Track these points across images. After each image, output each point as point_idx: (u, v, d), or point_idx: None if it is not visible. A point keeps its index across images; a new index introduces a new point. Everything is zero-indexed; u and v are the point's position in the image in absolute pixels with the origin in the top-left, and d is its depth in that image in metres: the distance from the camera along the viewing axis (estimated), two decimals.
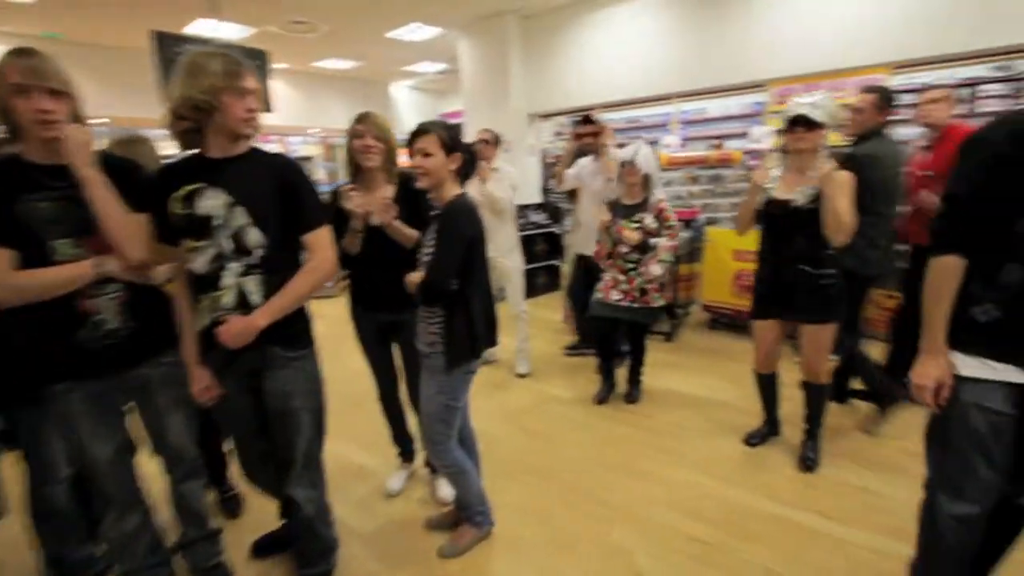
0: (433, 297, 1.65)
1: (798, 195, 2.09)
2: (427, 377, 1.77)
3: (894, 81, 5.24)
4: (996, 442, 1.17)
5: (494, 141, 3.28)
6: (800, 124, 2.03)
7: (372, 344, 2.15)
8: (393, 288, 1.98)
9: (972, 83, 4.94)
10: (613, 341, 3.08)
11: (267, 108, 2.69)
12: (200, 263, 1.38)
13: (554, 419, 2.91)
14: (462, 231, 1.60)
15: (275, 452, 1.61)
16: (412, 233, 1.89)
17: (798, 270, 2.14)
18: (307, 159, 11.81)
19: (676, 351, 3.86)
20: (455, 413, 1.77)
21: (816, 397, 2.30)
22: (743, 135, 6.00)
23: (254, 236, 1.37)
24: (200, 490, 1.67)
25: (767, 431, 2.52)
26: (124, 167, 1.45)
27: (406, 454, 2.37)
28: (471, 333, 1.66)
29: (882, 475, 2.22)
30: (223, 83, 1.31)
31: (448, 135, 1.62)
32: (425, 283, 1.60)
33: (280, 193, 1.40)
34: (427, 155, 1.60)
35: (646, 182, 2.73)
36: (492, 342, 1.78)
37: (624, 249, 2.76)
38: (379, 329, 2.11)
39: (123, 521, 1.52)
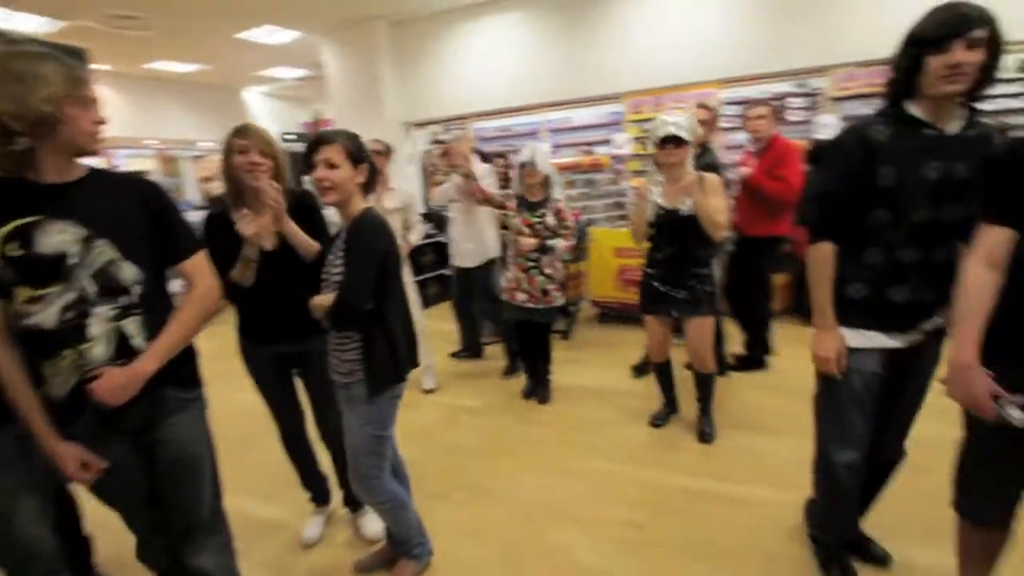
0: (347, 320, 1.52)
1: (683, 204, 2.33)
2: (348, 409, 1.62)
3: (723, 94, 6.15)
4: (870, 399, 1.42)
5: (386, 152, 3.06)
6: (670, 142, 2.27)
7: (269, 381, 1.91)
8: (292, 316, 1.79)
9: (780, 97, 5.92)
10: (534, 338, 3.10)
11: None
12: (49, 315, 1.11)
13: (470, 431, 2.87)
14: (374, 246, 1.50)
15: (165, 521, 1.36)
16: (311, 242, 1.73)
17: (686, 270, 2.39)
18: (141, 174, 10.30)
19: (573, 348, 4.05)
20: (386, 443, 1.65)
21: (705, 382, 2.57)
22: (607, 142, 6.52)
23: (128, 272, 1.18)
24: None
25: (668, 411, 2.76)
26: None
27: (320, 496, 2.15)
28: (393, 355, 1.56)
29: (764, 437, 2.55)
30: (64, 91, 1.08)
31: (353, 145, 1.51)
32: (337, 305, 1.46)
33: (147, 218, 1.22)
34: (332, 167, 1.47)
35: (546, 182, 2.83)
36: (415, 362, 1.70)
37: (527, 243, 2.82)
38: (277, 363, 1.89)
39: None
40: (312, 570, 1.92)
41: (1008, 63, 4.43)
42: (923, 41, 1.21)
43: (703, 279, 2.42)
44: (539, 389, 3.14)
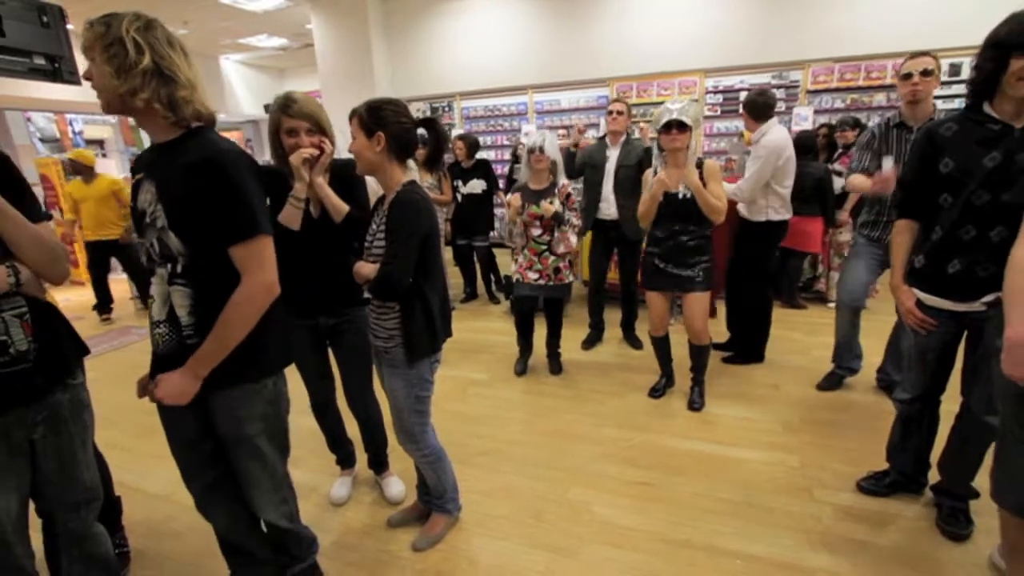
0: (388, 294, 1.59)
1: (682, 188, 2.48)
2: (389, 372, 1.72)
3: (707, 83, 6.37)
4: (932, 350, 1.76)
5: None
6: (674, 127, 2.39)
7: (307, 353, 1.98)
8: (331, 289, 1.87)
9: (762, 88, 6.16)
10: (531, 320, 3.27)
11: (77, 79, 2.18)
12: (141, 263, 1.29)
13: (482, 402, 3.01)
14: (416, 228, 1.53)
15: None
16: (341, 204, 1.76)
17: (684, 249, 2.56)
18: (97, 142, 9.74)
19: (572, 325, 4.21)
20: (427, 401, 1.76)
21: (700, 354, 2.77)
22: (596, 125, 6.64)
23: (173, 242, 1.18)
24: (104, 533, 1.44)
25: (666, 383, 2.96)
26: None
27: (347, 460, 2.27)
28: (430, 327, 1.64)
29: (754, 406, 2.79)
30: (171, 50, 1.15)
31: (368, 115, 1.52)
32: (379, 280, 1.53)
33: (197, 191, 1.14)
34: (352, 139, 1.54)
35: (553, 168, 2.93)
36: (449, 332, 1.80)
37: (536, 232, 2.93)
38: (313, 335, 1.96)
39: None
40: (347, 527, 2.03)
41: None
42: (1006, 44, 1.39)
43: (701, 258, 2.58)
44: (551, 363, 3.31)
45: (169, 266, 1.19)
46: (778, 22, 5.81)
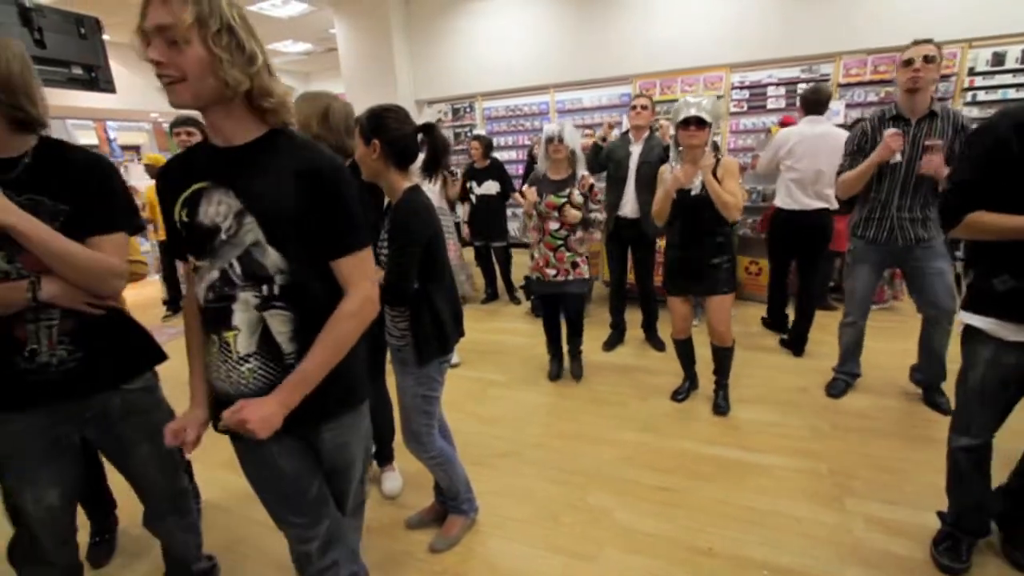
0: (394, 300, 1.61)
1: (696, 184, 2.41)
2: (401, 370, 1.73)
3: (732, 78, 6.21)
4: (1002, 389, 1.51)
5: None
6: (692, 123, 2.32)
7: None
8: None
9: (790, 82, 5.98)
10: (556, 319, 3.21)
11: (112, 87, 2.27)
12: (200, 291, 1.03)
13: (501, 403, 2.99)
14: (416, 235, 1.54)
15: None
16: None
17: (704, 250, 2.48)
18: (133, 148, 10.09)
19: (590, 326, 4.16)
20: (434, 403, 1.77)
21: (724, 356, 2.69)
22: (619, 124, 6.54)
23: (271, 258, 1.00)
24: (183, 531, 1.49)
25: (689, 386, 2.89)
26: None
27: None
28: (439, 330, 1.65)
29: (781, 410, 2.69)
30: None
31: (367, 123, 1.52)
32: (383, 289, 1.51)
33: (303, 199, 0.99)
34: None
35: (572, 158, 2.85)
36: (461, 333, 1.79)
37: (554, 226, 2.87)
38: None
39: None
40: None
41: None
42: None
43: (723, 258, 2.50)
44: (572, 366, 3.25)
45: (264, 288, 1.00)
46: (807, 13, 5.63)
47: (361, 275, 1.07)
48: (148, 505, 1.47)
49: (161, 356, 1.42)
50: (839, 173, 2.54)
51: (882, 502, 1.97)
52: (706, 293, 2.57)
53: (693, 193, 2.42)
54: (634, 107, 3.31)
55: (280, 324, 1.02)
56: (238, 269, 1.00)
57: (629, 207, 3.36)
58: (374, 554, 1.88)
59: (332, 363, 1.04)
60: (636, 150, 3.33)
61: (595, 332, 3.76)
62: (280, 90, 0.99)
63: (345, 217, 1.03)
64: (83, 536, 1.87)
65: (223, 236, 0.99)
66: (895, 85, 5.49)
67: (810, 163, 3.14)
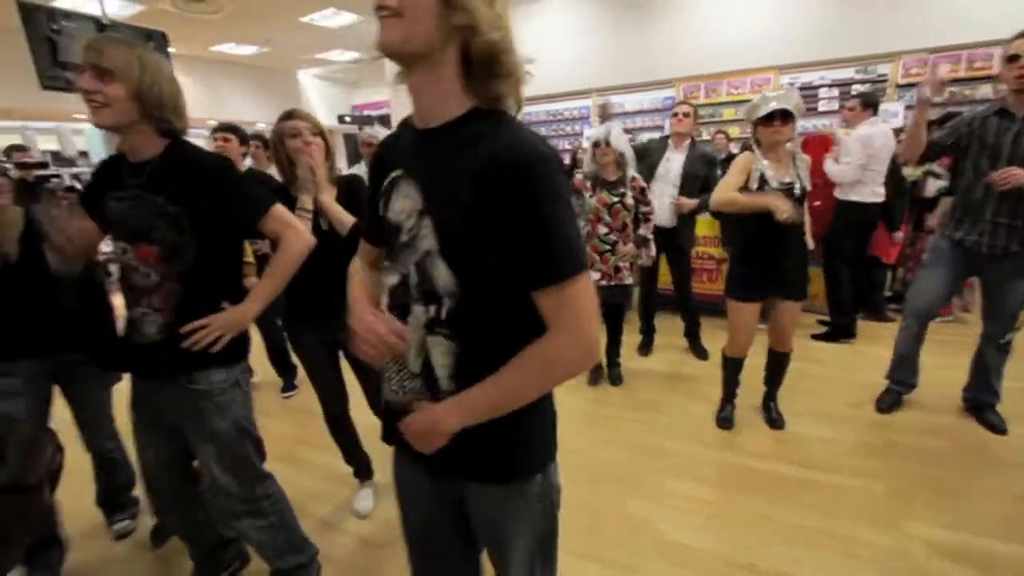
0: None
1: (796, 181, 2.24)
2: None
3: (782, 80, 6.02)
4: None
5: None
6: (777, 118, 2.18)
7: (323, 363, 1.97)
8: (341, 300, 1.86)
9: (844, 83, 5.75)
10: (599, 324, 3.19)
11: None
12: (384, 293, 0.90)
13: None
14: None
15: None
16: (346, 215, 1.76)
17: (790, 251, 2.30)
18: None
19: (628, 332, 4.11)
20: None
21: (783, 362, 2.56)
22: (660, 128, 6.46)
23: (441, 274, 0.79)
24: (255, 531, 1.56)
25: (732, 408, 2.68)
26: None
27: (364, 472, 2.21)
28: None
29: (834, 425, 2.58)
30: None
31: None
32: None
33: (485, 206, 0.73)
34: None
35: (620, 160, 2.81)
36: None
37: (603, 230, 2.84)
38: (327, 347, 1.95)
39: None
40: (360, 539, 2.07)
41: None
42: None
43: (802, 260, 2.37)
44: (610, 373, 3.22)
45: (432, 308, 0.81)
46: (862, 11, 5.39)
47: (573, 314, 0.75)
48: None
49: (228, 358, 1.43)
50: (932, 141, 2.37)
51: (943, 527, 1.86)
52: (791, 297, 2.38)
53: (796, 192, 2.24)
54: (675, 114, 3.27)
55: (441, 354, 0.82)
56: (415, 278, 0.82)
57: (665, 216, 3.28)
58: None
59: (499, 405, 0.81)
60: (677, 157, 3.28)
61: (626, 339, 3.71)
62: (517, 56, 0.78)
63: (557, 231, 0.73)
64: (148, 519, 2.00)
65: (404, 237, 0.82)
66: (960, 85, 5.22)
67: (886, 157, 3.51)
